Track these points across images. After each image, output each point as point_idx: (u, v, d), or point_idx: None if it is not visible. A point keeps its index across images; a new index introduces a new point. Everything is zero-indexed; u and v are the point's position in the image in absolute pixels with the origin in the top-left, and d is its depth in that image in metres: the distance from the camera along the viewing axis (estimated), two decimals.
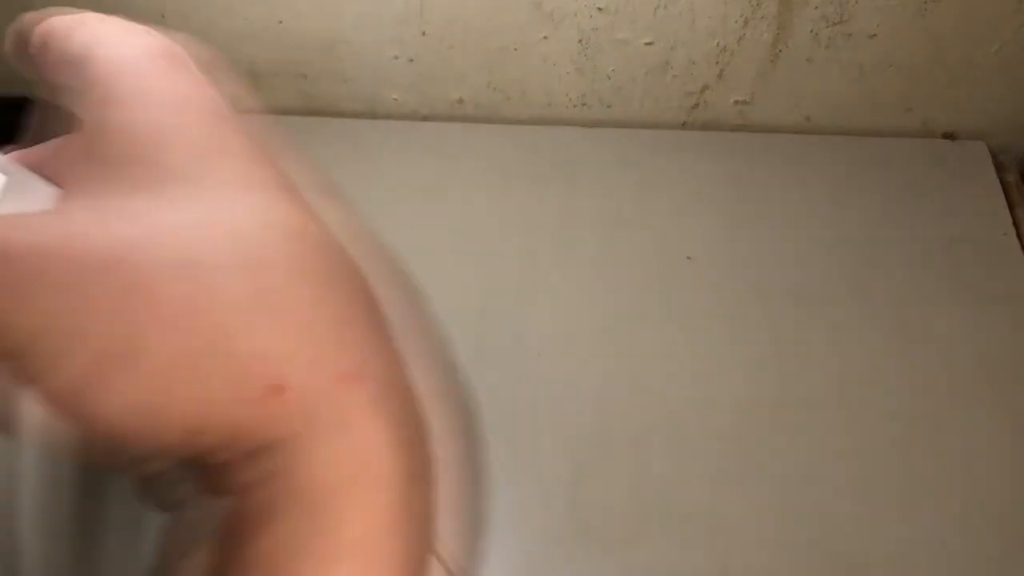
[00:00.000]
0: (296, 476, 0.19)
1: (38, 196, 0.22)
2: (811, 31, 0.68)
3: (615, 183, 0.69)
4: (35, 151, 0.23)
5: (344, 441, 0.19)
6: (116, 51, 0.23)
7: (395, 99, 0.74)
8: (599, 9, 0.64)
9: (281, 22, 0.66)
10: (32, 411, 0.18)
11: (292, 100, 0.75)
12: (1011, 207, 0.68)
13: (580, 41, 0.67)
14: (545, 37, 0.67)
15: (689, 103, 0.73)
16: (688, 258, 0.65)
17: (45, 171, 0.22)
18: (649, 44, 0.67)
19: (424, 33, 0.67)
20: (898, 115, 0.73)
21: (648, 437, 0.56)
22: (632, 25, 0.66)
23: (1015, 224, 0.67)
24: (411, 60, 0.70)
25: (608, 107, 0.73)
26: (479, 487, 0.25)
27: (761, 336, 0.61)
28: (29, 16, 0.25)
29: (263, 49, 0.70)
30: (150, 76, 0.23)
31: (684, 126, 0.75)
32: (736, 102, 0.73)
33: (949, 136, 0.73)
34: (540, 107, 0.74)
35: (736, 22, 0.68)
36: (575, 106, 0.73)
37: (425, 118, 0.75)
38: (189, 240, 0.19)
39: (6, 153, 0.23)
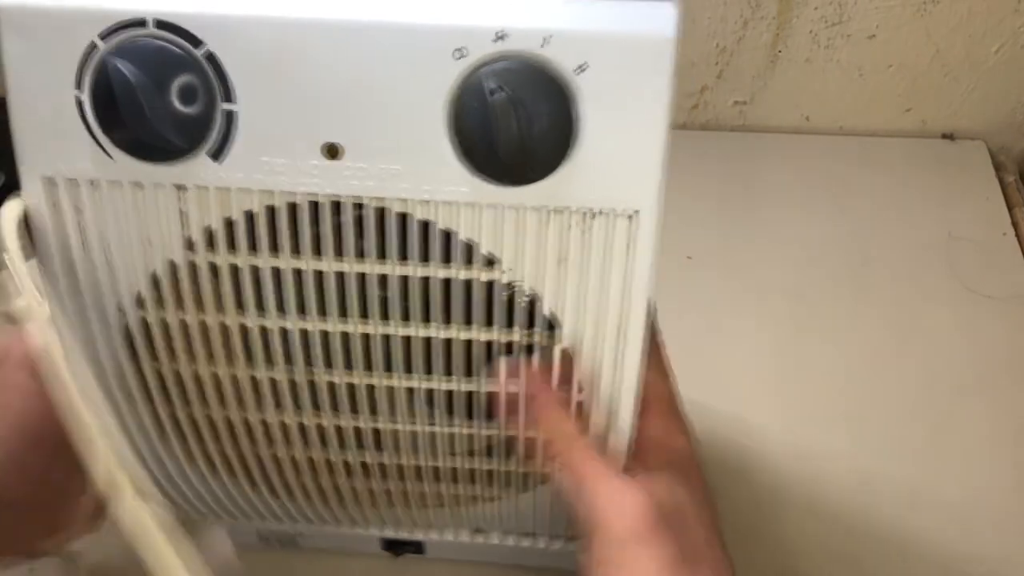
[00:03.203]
0: None
1: None
2: (810, 32, 0.68)
3: None
4: None
5: None
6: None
7: None
8: None
9: None
10: None
11: None
12: (1010, 207, 0.68)
13: None
14: None
15: (689, 104, 0.74)
16: (688, 258, 0.65)
17: None
18: None
19: None
20: (897, 115, 0.73)
21: None
22: None
23: (1014, 224, 0.67)
24: None
25: None
26: None
27: (760, 336, 0.61)
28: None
29: None
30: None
31: (684, 126, 0.75)
32: (736, 102, 0.73)
33: (948, 136, 0.73)
34: None
35: (736, 23, 0.68)
36: None
37: None
38: None
39: None
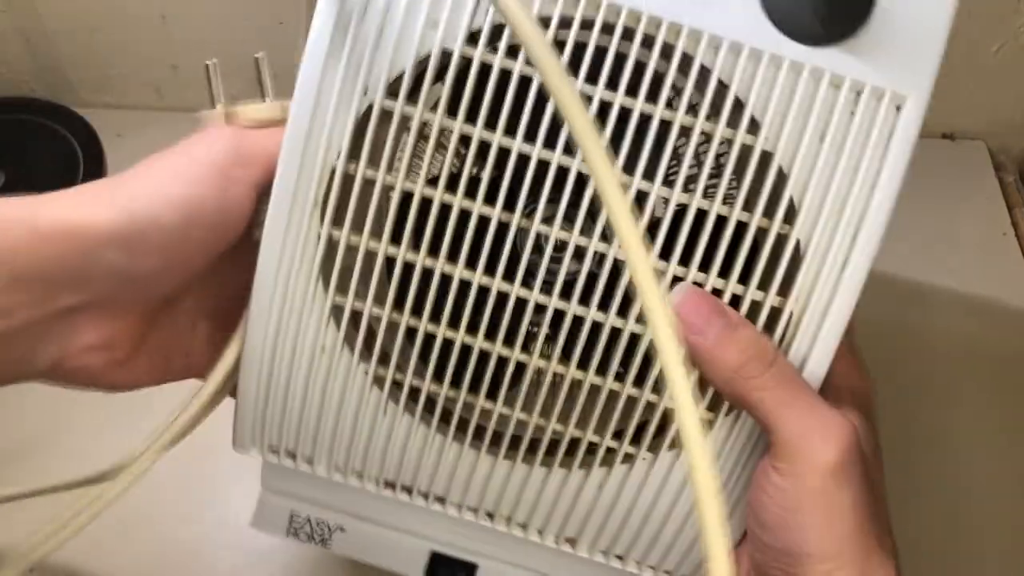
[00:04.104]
0: None
1: None
2: None
3: None
4: None
5: None
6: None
7: None
8: None
9: (282, 23, 0.67)
10: None
11: None
12: (1010, 207, 0.68)
13: None
14: None
15: None
16: None
17: None
18: None
19: None
20: None
21: None
22: None
23: (1014, 224, 0.67)
24: None
25: None
26: None
27: None
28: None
29: (269, 51, 0.70)
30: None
31: None
32: None
33: (948, 136, 0.73)
34: None
35: None
36: None
37: None
38: None
39: None
